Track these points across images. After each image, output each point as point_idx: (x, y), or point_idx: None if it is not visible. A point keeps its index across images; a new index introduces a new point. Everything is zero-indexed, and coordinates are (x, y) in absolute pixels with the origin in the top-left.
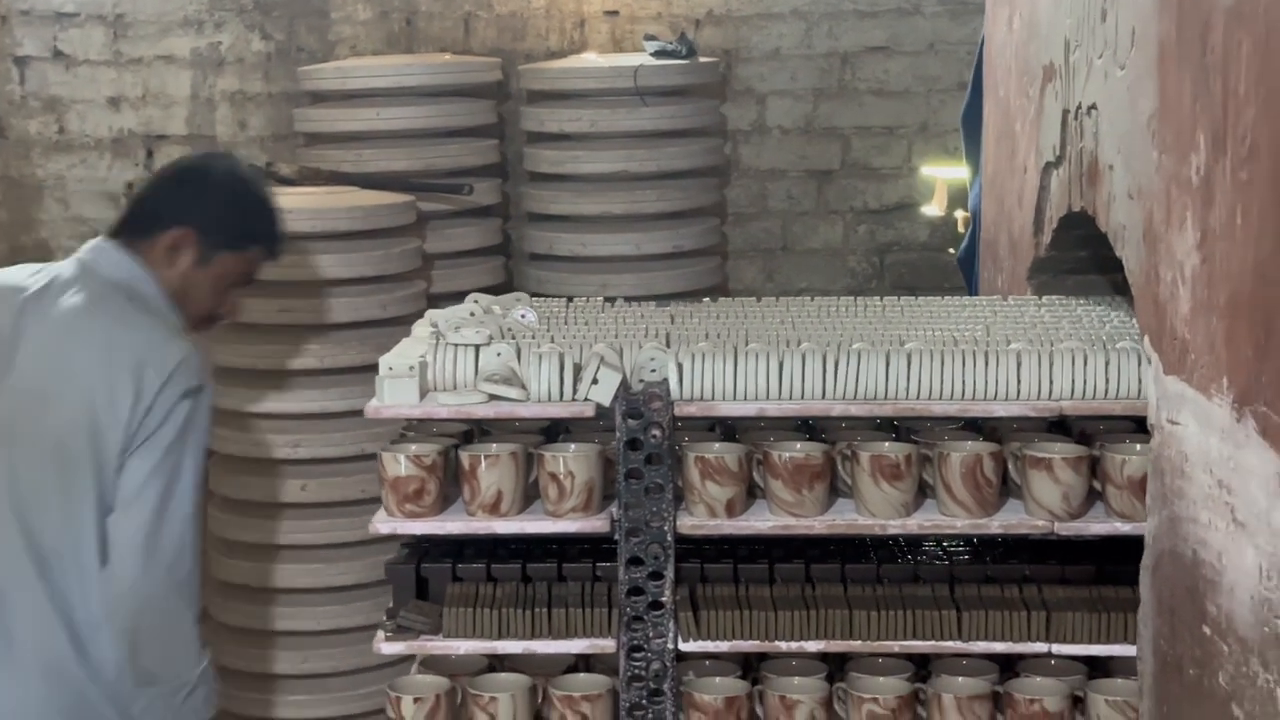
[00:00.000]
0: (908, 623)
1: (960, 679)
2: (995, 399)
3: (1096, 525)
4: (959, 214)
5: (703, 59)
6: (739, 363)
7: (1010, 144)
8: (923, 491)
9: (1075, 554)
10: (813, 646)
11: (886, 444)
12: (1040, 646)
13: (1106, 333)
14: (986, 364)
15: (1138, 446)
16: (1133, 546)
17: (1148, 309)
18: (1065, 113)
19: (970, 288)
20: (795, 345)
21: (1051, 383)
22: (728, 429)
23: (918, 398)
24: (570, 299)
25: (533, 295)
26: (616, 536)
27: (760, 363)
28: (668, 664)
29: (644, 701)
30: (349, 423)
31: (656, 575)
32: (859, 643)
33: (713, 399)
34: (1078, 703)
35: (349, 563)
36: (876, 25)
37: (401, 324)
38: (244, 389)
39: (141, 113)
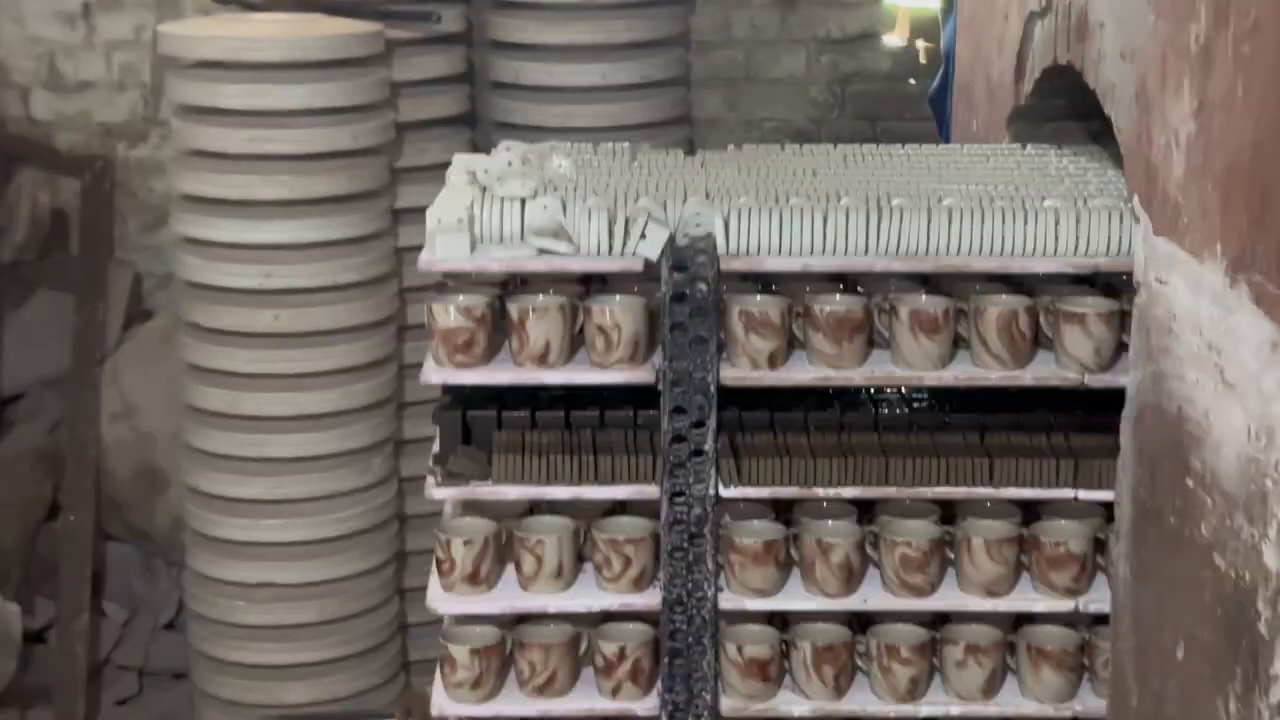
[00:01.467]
0: (940, 469)
1: (988, 522)
2: (1034, 255)
3: (1125, 377)
4: (920, 44)
5: None
6: (783, 218)
7: None
8: (955, 344)
9: (1100, 405)
10: (849, 492)
11: (925, 298)
12: (1066, 492)
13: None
14: (1025, 221)
15: None
16: None
17: (1138, 170)
18: None
19: (941, 127)
20: (838, 200)
21: (1088, 240)
22: (766, 283)
23: (958, 254)
24: (596, 146)
25: (499, 125)
26: (660, 387)
27: (804, 219)
28: (708, 509)
29: (685, 545)
30: (320, 253)
31: (699, 424)
32: (894, 489)
33: (758, 254)
34: (1100, 545)
35: (320, 392)
36: None
37: (370, 154)
38: (214, 219)
39: None
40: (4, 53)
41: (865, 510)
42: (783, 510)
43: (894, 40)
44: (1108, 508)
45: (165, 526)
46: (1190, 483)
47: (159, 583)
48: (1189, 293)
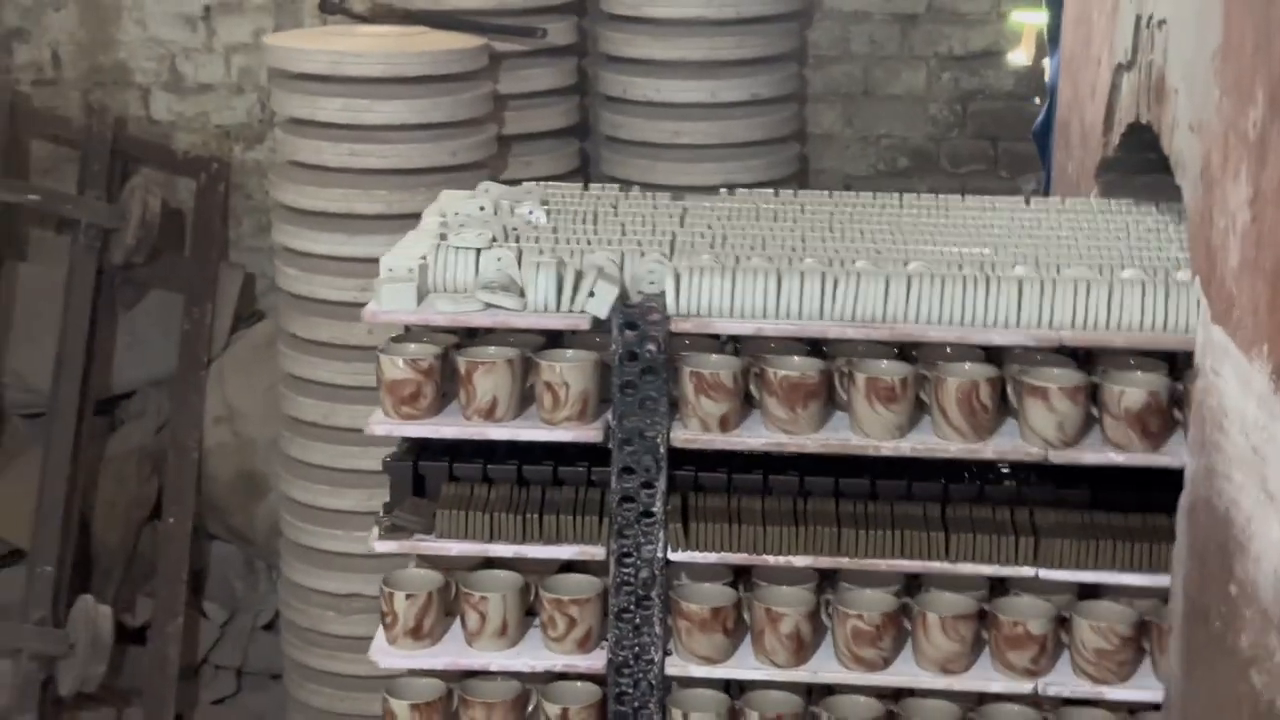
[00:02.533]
0: (896, 541)
1: (946, 596)
2: (995, 326)
3: (1090, 454)
4: (1046, 62)
5: None
6: (737, 280)
7: (1087, 30)
8: (921, 408)
9: (1069, 478)
10: (800, 561)
11: (884, 364)
12: (1027, 571)
13: (1130, 255)
14: (987, 290)
15: (1138, 374)
16: (1128, 475)
17: (1200, 251)
18: (1139, 18)
19: (1044, 162)
20: (796, 263)
21: (1052, 311)
22: (731, 338)
23: (916, 321)
24: (586, 186)
25: (608, 139)
26: (610, 446)
27: (759, 281)
28: (656, 572)
29: (632, 607)
30: None
31: (648, 485)
32: (846, 559)
33: (710, 315)
34: (1064, 624)
35: None
36: None
37: (471, 170)
38: (313, 231)
39: None
40: (126, 54)
41: (829, 577)
42: (748, 571)
43: (1019, 58)
44: (1079, 587)
45: (265, 531)
46: (1234, 589)
47: (259, 584)
48: (1239, 389)
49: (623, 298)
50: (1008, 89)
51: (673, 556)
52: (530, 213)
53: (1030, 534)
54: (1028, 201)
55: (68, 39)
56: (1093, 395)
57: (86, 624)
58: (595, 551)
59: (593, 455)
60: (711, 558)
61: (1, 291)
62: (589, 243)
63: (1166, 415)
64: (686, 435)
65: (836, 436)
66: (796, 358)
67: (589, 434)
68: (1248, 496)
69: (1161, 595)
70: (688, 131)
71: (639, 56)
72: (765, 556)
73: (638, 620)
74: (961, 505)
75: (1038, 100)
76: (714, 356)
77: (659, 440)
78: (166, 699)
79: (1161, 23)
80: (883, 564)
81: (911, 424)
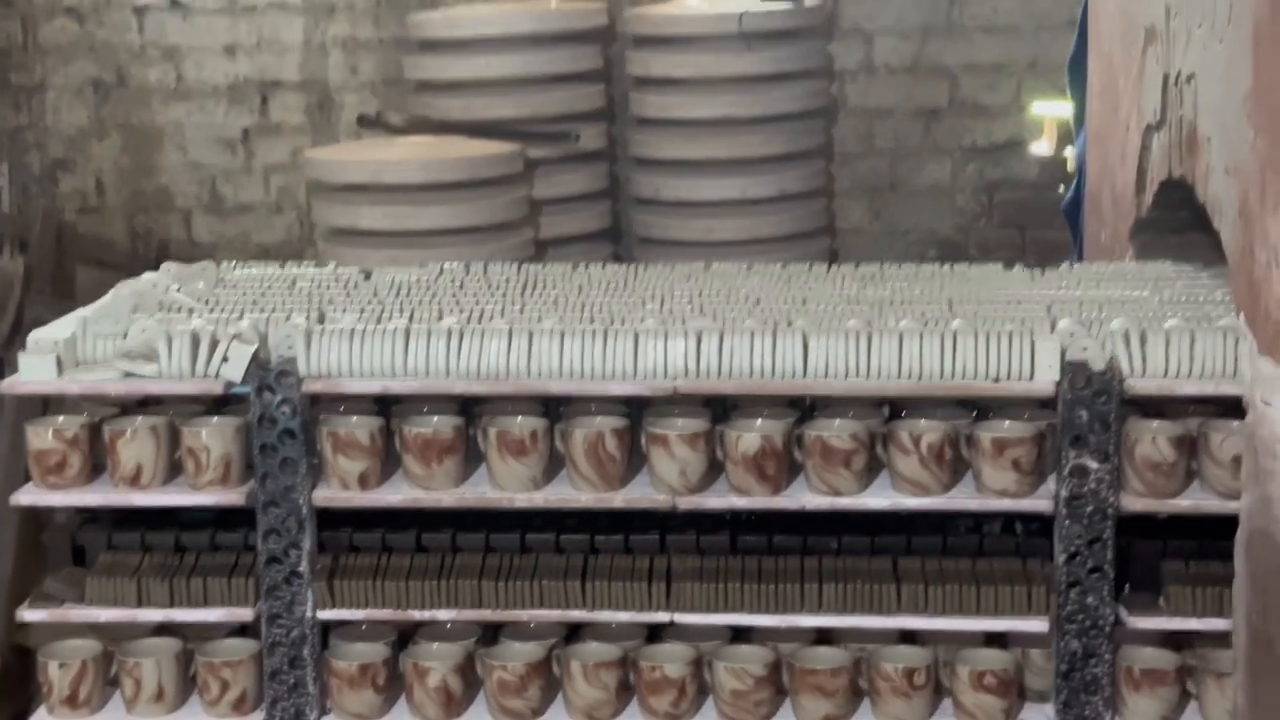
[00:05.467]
0: (539, 592)
1: (592, 645)
2: (614, 378)
3: (714, 500)
4: (1069, 151)
5: (808, 3)
6: (366, 341)
7: (1114, 99)
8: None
9: (707, 524)
10: (444, 614)
11: (519, 419)
12: (663, 616)
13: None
14: (605, 342)
15: (757, 421)
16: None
17: (1242, 286)
18: (1166, 77)
19: (1075, 239)
20: (429, 320)
21: (721, 361)
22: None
23: (539, 376)
24: (284, 264)
25: (640, 240)
26: (254, 508)
27: (388, 341)
28: (307, 631)
29: (286, 667)
30: None
31: (294, 546)
32: (489, 611)
33: (341, 376)
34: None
35: None
36: None
37: None
38: None
39: (256, 60)
40: (168, 179)
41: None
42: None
43: (1041, 148)
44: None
45: None
46: None
47: None
48: None
49: (255, 362)
50: (1032, 178)
51: (322, 615)
52: (198, 285)
53: (664, 580)
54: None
55: (111, 166)
56: (715, 444)
57: None
58: (244, 613)
59: (253, 520)
60: (359, 614)
61: None
62: (246, 310)
63: (783, 458)
64: (327, 494)
65: (473, 491)
66: (435, 416)
67: (232, 498)
68: None
69: (803, 637)
70: (719, 229)
71: (669, 158)
72: (410, 612)
73: (292, 680)
74: (605, 555)
75: (1062, 188)
76: (355, 418)
77: (301, 501)
78: None
79: (1190, 78)
80: (524, 614)
81: (550, 475)
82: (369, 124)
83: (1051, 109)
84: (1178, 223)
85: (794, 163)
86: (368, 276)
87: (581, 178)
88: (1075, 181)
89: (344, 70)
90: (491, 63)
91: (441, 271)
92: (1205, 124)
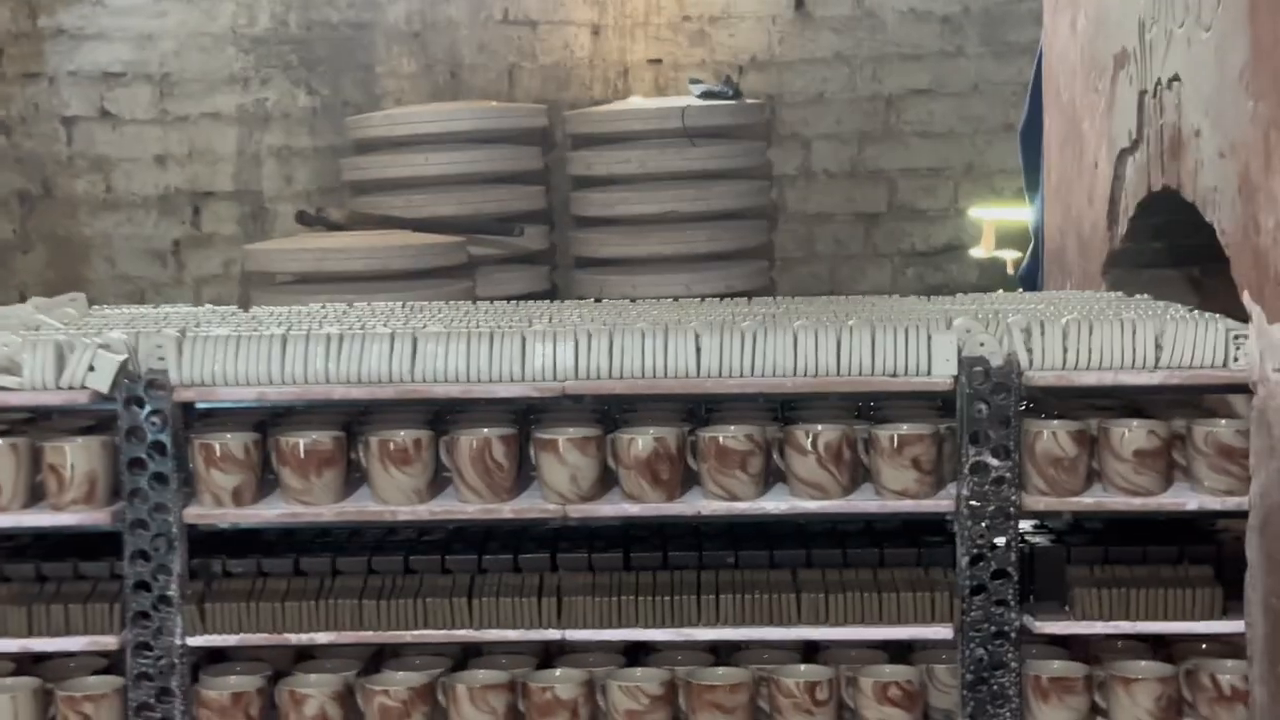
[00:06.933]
0: (423, 612)
1: (481, 672)
2: (501, 380)
3: (607, 508)
4: (1008, 255)
5: (749, 100)
6: (241, 347)
7: (1077, 145)
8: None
9: (601, 538)
10: (323, 638)
11: (401, 432)
12: (553, 633)
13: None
14: (491, 345)
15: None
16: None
17: (1245, 263)
18: (1142, 94)
19: None
20: (310, 328)
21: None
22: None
23: (424, 381)
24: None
25: None
26: (120, 529)
27: (263, 346)
28: (176, 660)
29: (153, 701)
30: None
31: (163, 569)
32: (371, 633)
33: (215, 384)
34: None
35: None
36: (920, 68)
37: None
38: None
39: (188, 170)
40: (96, 292)
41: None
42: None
43: (980, 252)
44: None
45: None
46: None
47: None
48: None
49: (123, 372)
50: (972, 281)
51: (192, 642)
52: (66, 312)
53: (555, 596)
54: None
55: (36, 279)
56: (606, 450)
57: None
58: (108, 641)
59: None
60: (232, 640)
61: None
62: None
63: (678, 463)
64: (200, 512)
65: (354, 505)
66: (315, 434)
67: (97, 517)
68: None
69: (701, 660)
70: None
71: (612, 256)
72: (287, 635)
73: (159, 715)
74: (493, 575)
75: (1001, 292)
76: (230, 434)
77: (172, 520)
78: None
79: (1173, 80)
80: (408, 635)
81: (438, 488)
82: (310, 221)
83: (989, 213)
84: (1149, 255)
85: (739, 261)
86: (246, 309)
87: (523, 278)
88: (1031, 249)
89: (278, 179)
90: (432, 161)
91: (323, 306)
92: (1192, 119)
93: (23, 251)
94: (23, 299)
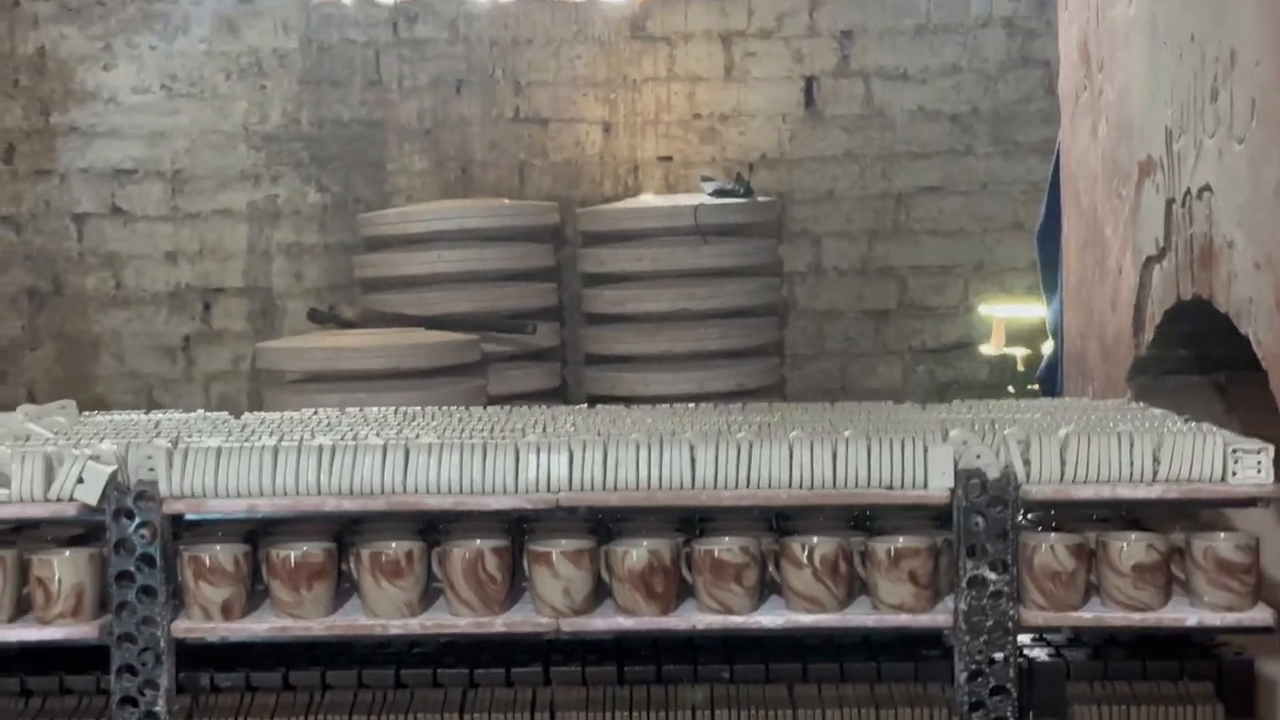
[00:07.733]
0: None
1: None
2: (494, 493)
3: (600, 622)
4: (1018, 352)
5: (760, 198)
6: (230, 460)
7: (1099, 250)
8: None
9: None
10: None
11: (393, 544)
12: None
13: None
14: (483, 457)
15: (643, 540)
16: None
17: None
18: (1169, 203)
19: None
20: (302, 439)
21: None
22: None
23: (413, 491)
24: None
25: None
26: (108, 643)
27: (253, 459)
28: None
29: None
30: None
31: (150, 684)
32: None
33: (205, 496)
34: None
35: None
36: (929, 166)
37: None
38: None
39: (198, 266)
40: (104, 389)
41: None
42: None
43: (990, 349)
44: None
45: None
46: None
47: None
48: None
49: (112, 484)
50: (982, 379)
51: None
52: (55, 420)
53: (548, 711)
54: None
55: (44, 376)
56: (600, 562)
57: None
58: None
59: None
60: None
61: None
62: (103, 440)
63: (673, 575)
64: (188, 625)
65: (345, 619)
66: (305, 544)
67: (84, 631)
68: None
69: None
70: None
71: (624, 353)
72: None
73: None
74: (486, 689)
75: (1011, 389)
76: (215, 543)
77: (160, 634)
78: None
79: (1203, 190)
80: None
81: (430, 600)
82: (322, 318)
83: (999, 310)
84: (1175, 362)
85: (750, 359)
86: (238, 416)
87: (534, 374)
88: (1051, 351)
89: (289, 275)
90: (444, 258)
91: (316, 413)
92: (1225, 230)
93: (31, 348)
94: (31, 396)
